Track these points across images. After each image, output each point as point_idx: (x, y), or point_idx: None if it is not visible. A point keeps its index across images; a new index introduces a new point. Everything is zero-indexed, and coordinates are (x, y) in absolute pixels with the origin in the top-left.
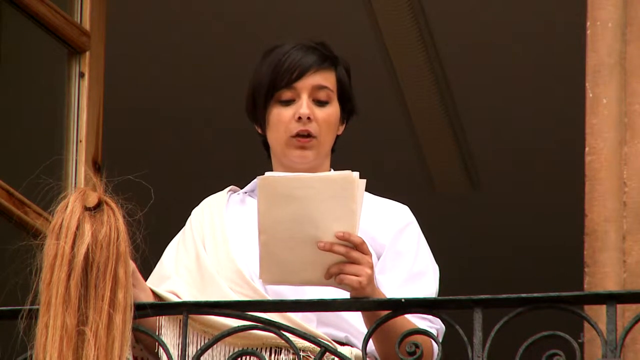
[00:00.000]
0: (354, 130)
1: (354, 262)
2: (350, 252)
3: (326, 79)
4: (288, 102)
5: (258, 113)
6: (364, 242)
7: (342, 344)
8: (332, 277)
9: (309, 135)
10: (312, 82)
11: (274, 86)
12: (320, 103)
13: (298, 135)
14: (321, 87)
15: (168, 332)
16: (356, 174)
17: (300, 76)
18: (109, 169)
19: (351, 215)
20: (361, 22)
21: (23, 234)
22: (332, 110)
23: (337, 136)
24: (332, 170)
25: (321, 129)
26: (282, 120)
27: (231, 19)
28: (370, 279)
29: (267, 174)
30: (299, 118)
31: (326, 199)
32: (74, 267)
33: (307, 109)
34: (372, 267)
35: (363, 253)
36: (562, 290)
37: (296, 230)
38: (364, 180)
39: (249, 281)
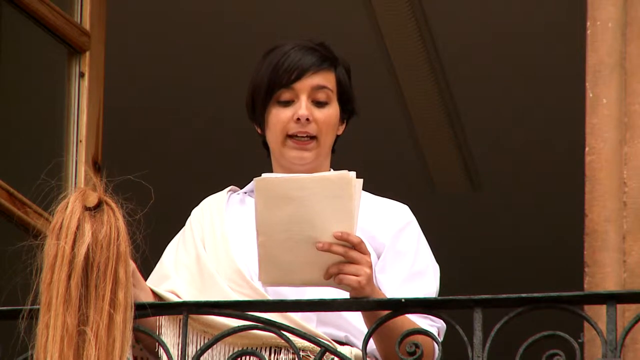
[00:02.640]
0: (354, 130)
1: (352, 261)
2: (349, 251)
3: (325, 79)
4: (287, 103)
5: (257, 113)
6: (362, 241)
7: (341, 343)
8: (331, 277)
9: (308, 137)
10: (311, 83)
11: (272, 87)
12: (320, 104)
13: (297, 136)
14: (320, 88)
15: (168, 331)
16: (353, 173)
17: (299, 77)
18: (109, 169)
19: (349, 215)
20: (361, 22)
21: (23, 234)
22: (332, 111)
23: (337, 136)
24: (331, 170)
25: (321, 130)
26: (280, 120)
27: (231, 19)
28: (370, 278)
29: (264, 175)
30: (298, 119)
31: (323, 199)
32: (74, 267)
33: (306, 110)
34: (371, 267)
35: (362, 252)
36: (562, 290)
37: (294, 231)
38: (361, 180)
39: (249, 281)
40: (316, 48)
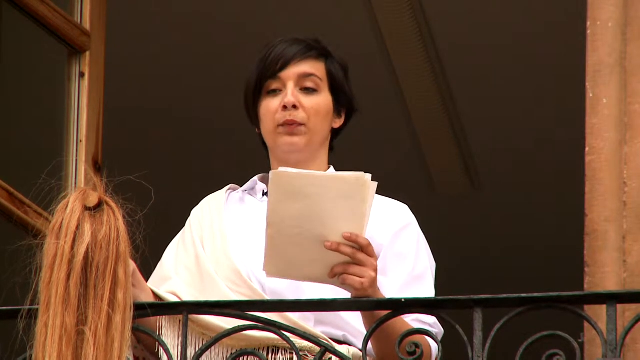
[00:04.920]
0: (354, 130)
1: (359, 263)
2: (356, 253)
3: (312, 67)
4: (275, 92)
5: (251, 110)
6: (370, 244)
7: (340, 342)
8: (335, 276)
9: (297, 124)
10: (297, 71)
11: (260, 79)
12: (308, 90)
13: (285, 124)
14: (307, 75)
15: (168, 332)
16: (368, 175)
17: (284, 66)
18: (109, 169)
19: (360, 217)
20: (361, 22)
21: (23, 234)
22: (322, 99)
23: (337, 132)
24: (330, 167)
25: (310, 117)
26: (269, 110)
27: (231, 19)
28: (373, 281)
29: (280, 168)
30: (285, 107)
31: (337, 198)
32: (73, 267)
33: (292, 96)
34: (376, 270)
35: (369, 255)
36: (562, 290)
37: (304, 227)
38: (376, 183)
39: (247, 281)
40: (303, 39)
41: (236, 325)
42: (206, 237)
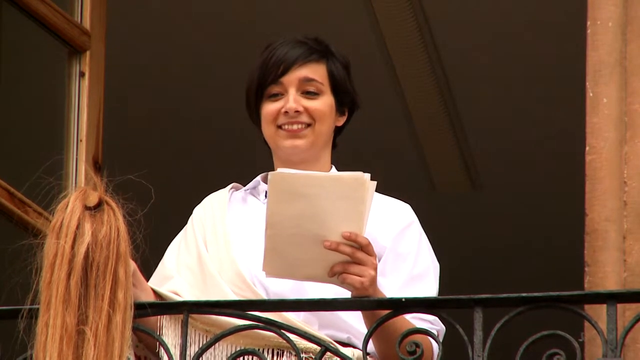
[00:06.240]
0: (354, 129)
1: (358, 262)
2: (356, 252)
3: (314, 71)
4: (276, 96)
5: (252, 111)
6: (369, 243)
7: (344, 344)
8: (335, 275)
9: (300, 125)
10: (298, 76)
11: (262, 83)
12: (310, 94)
13: (288, 124)
14: (308, 80)
15: (169, 332)
16: (367, 175)
17: (285, 71)
18: (109, 168)
19: (359, 217)
20: (362, 22)
21: (24, 234)
22: (324, 101)
23: (339, 129)
24: (333, 166)
25: (314, 118)
26: (270, 113)
27: (231, 19)
28: (373, 280)
29: (279, 170)
30: (286, 112)
31: (336, 198)
32: (74, 267)
33: (294, 102)
34: (376, 269)
35: (368, 254)
36: (563, 289)
37: (303, 227)
38: (375, 182)
39: (250, 284)
40: (305, 41)
41: (239, 322)
42: (209, 237)
